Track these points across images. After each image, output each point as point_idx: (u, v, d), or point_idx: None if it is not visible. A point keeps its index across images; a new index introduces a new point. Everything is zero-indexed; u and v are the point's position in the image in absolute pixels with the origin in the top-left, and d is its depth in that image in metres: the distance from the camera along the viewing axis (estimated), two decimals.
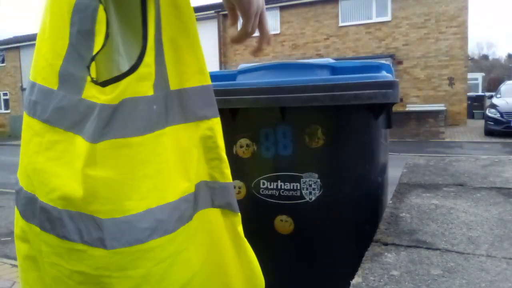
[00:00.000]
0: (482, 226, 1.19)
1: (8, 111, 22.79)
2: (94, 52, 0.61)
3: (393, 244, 1.09)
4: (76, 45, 0.62)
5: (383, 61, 15.43)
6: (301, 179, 1.37)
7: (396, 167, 2.22)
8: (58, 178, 0.62)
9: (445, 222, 1.23)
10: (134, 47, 0.62)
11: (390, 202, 1.49)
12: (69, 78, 0.62)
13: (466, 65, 14.32)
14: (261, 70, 1.50)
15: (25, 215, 0.67)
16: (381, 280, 0.89)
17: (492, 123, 11.41)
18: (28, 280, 0.68)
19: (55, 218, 0.62)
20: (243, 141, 1.46)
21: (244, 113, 1.44)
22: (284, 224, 1.41)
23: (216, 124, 0.71)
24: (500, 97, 12.34)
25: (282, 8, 16.22)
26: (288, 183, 1.40)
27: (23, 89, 22.73)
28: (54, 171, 0.62)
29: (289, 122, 1.37)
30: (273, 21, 16.54)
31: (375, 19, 14.97)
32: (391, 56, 14.42)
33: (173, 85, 0.66)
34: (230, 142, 1.49)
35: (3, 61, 23.40)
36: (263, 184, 1.44)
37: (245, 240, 0.76)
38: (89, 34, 0.61)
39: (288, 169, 1.40)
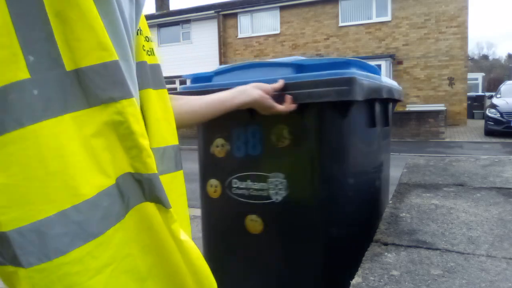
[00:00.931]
0: (482, 226, 1.19)
1: None
2: None
3: (393, 244, 1.09)
4: None
5: (383, 61, 15.38)
6: (268, 179, 1.37)
7: (396, 167, 2.22)
8: None
9: (445, 222, 1.23)
10: None
11: (390, 202, 1.50)
12: None
13: (466, 65, 14.32)
14: (235, 70, 1.50)
15: None
16: (381, 280, 0.89)
17: (492, 123, 11.41)
18: None
19: None
20: (219, 140, 1.49)
21: None
22: (254, 223, 1.42)
23: (127, 106, 0.60)
24: (500, 97, 12.34)
25: (282, 8, 16.22)
26: (256, 183, 1.40)
27: None
28: None
29: (258, 122, 1.38)
30: (273, 21, 16.55)
31: (375, 19, 14.97)
32: (391, 56, 14.43)
33: (69, 65, 0.56)
34: (207, 141, 1.52)
35: None
36: (235, 183, 1.45)
37: (183, 240, 0.66)
38: None
39: (256, 168, 1.40)
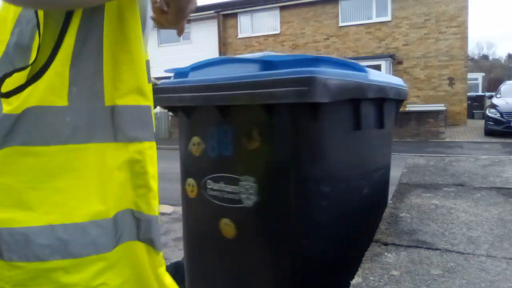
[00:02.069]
0: (482, 226, 1.19)
1: None
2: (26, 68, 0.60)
3: (393, 244, 1.09)
4: (11, 57, 0.60)
5: (383, 61, 15.36)
6: (239, 182, 1.28)
7: (396, 167, 2.22)
8: None
9: (445, 222, 1.23)
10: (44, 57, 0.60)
11: (390, 202, 1.49)
12: None
13: (466, 65, 14.32)
14: (209, 66, 1.42)
15: None
16: (381, 280, 0.89)
17: (492, 123, 11.40)
18: None
19: None
20: (195, 139, 1.42)
21: (195, 111, 1.41)
22: (227, 227, 1.33)
23: (147, 148, 0.68)
24: (500, 97, 12.33)
25: (282, 8, 16.21)
26: (229, 186, 1.32)
27: None
28: None
29: (229, 121, 1.30)
30: (273, 21, 16.53)
31: (375, 19, 14.96)
32: (391, 56, 14.42)
33: (108, 101, 0.63)
34: (186, 140, 1.47)
35: None
36: (209, 184, 1.38)
37: (167, 284, 0.70)
38: (26, 50, 0.60)
39: (228, 170, 1.32)
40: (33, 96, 0.59)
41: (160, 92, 1.43)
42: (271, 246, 1.27)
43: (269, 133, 1.23)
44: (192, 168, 1.45)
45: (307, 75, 1.08)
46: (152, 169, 0.68)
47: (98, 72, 0.62)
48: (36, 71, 0.59)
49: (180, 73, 1.50)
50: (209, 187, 1.38)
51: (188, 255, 1.54)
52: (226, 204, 1.33)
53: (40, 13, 0.59)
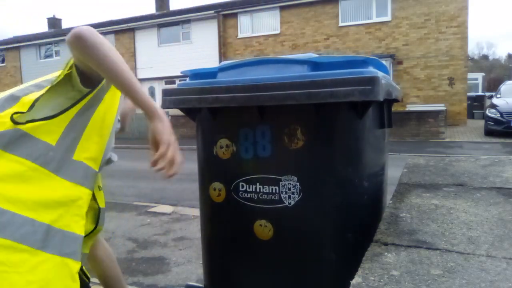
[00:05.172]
0: (482, 226, 1.19)
1: None
2: None
3: (393, 244, 1.09)
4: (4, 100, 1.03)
5: (383, 61, 15.41)
6: (280, 182, 1.30)
7: (396, 167, 2.22)
8: None
9: (445, 222, 1.23)
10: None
11: (390, 202, 1.49)
12: None
13: (466, 65, 14.31)
14: (242, 66, 1.41)
15: None
16: (381, 280, 0.89)
17: (492, 123, 11.40)
18: None
19: None
20: (223, 141, 1.39)
21: (223, 112, 1.38)
22: (263, 229, 1.34)
23: (85, 194, 1.06)
24: (500, 97, 12.32)
25: (282, 8, 16.21)
26: (267, 186, 1.32)
27: None
28: None
29: (268, 121, 1.30)
30: (273, 21, 16.52)
31: (375, 19, 14.96)
32: (391, 56, 14.41)
33: (76, 157, 1.03)
34: (211, 142, 1.43)
35: (3, 61, 23.38)
36: (242, 186, 1.36)
37: None
38: (15, 99, 1.01)
39: (267, 171, 1.32)
40: (38, 129, 0.96)
41: (188, 94, 1.39)
42: (314, 242, 1.28)
43: (315, 132, 1.26)
44: (218, 172, 1.43)
45: (371, 75, 1.14)
46: (83, 203, 1.06)
47: (77, 138, 1.02)
48: (44, 116, 0.97)
49: (206, 73, 1.47)
50: (242, 189, 1.37)
51: (213, 260, 1.52)
52: (263, 205, 1.33)
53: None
